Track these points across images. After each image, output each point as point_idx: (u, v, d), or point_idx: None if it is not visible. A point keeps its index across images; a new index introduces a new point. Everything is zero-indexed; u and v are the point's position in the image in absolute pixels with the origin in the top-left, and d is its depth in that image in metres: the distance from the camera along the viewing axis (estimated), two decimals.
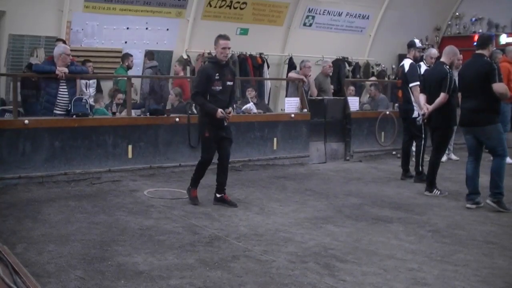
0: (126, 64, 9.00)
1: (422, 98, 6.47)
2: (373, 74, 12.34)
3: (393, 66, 12.51)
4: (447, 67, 6.20)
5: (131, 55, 9.14)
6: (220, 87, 5.49)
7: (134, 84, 8.76)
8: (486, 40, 5.72)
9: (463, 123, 5.78)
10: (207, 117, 5.54)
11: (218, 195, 5.73)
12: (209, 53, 10.23)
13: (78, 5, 8.85)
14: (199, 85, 5.55)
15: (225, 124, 5.60)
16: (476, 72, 5.51)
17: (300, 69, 9.07)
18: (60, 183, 6.40)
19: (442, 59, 6.40)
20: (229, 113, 5.53)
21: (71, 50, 7.00)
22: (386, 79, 12.07)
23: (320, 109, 8.83)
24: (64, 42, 8.09)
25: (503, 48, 9.71)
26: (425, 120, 6.46)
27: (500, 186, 5.57)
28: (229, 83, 5.60)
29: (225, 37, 5.50)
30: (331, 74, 9.86)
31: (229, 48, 5.54)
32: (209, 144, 5.61)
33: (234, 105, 6.56)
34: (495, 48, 6.75)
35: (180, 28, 9.99)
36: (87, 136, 6.72)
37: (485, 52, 5.60)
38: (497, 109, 5.57)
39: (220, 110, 5.38)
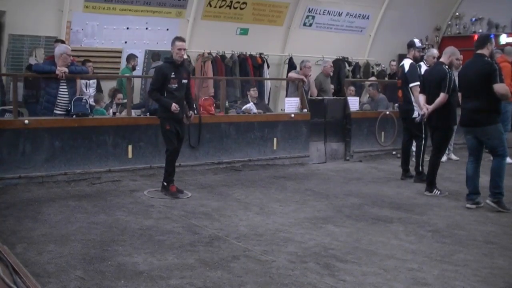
0: (132, 64, 9.03)
1: (421, 98, 6.47)
2: (373, 74, 12.33)
3: (393, 63, 12.41)
4: (447, 67, 6.20)
5: (137, 56, 9.16)
6: (176, 85, 5.96)
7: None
8: (484, 40, 5.72)
9: (464, 123, 5.77)
10: (166, 113, 5.95)
11: (164, 183, 6.09)
12: (209, 53, 10.26)
13: (78, 5, 8.85)
14: (155, 83, 6.00)
15: (185, 121, 6.16)
16: (476, 73, 5.51)
17: (300, 69, 9.07)
18: (60, 183, 6.40)
19: (441, 59, 6.40)
20: (190, 116, 6.21)
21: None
22: (386, 79, 12.07)
23: (320, 109, 8.83)
24: (63, 42, 8.10)
25: (502, 48, 9.72)
26: (425, 120, 6.47)
27: (500, 186, 5.57)
28: (184, 81, 6.07)
29: (181, 39, 6.02)
30: (332, 74, 9.86)
31: (184, 50, 6.04)
32: (171, 135, 6.01)
33: (194, 105, 6.91)
34: (495, 47, 6.75)
35: (180, 28, 9.99)
36: (87, 136, 6.72)
37: (485, 51, 5.60)
38: (498, 109, 5.57)
39: (174, 104, 5.83)
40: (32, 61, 7.76)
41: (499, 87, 5.38)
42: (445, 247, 4.34)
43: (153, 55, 9.56)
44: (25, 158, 6.30)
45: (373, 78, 11.75)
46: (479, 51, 5.62)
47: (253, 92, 9.04)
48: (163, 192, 6.07)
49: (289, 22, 11.32)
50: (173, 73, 5.91)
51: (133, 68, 9.06)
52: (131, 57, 9.11)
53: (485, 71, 5.42)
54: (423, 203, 5.92)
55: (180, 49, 5.88)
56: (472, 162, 5.76)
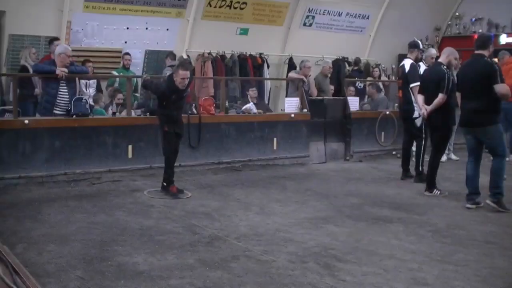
0: (123, 63, 8.98)
1: (420, 98, 6.47)
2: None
3: (393, 66, 12.48)
4: (445, 67, 6.20)
5: (128, 54, 9.09)
6: (176, 98, 5.99)
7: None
8: (486, 40, 5.73)
9: (464, 123, 5.77)
10: (164, 115, 6.05)
11: (164, 184, 6.11)
12: (209, 53, 10.24)
13: (78, 5, 8.83)
14: (157, 92, 6.21)
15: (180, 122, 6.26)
16: (477, 73, 5.50)
17: (300, 69, 9.07)
18: (60, 183, 6.40)
19: (440, 60, 6.41)
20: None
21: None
22: (386, 78, 12.05)
23: (320, 109, 8.83)
24: (57, 39, 8.10)
25: (502, 48, 9.73)
26: (424, 120, 6.50)
27: (500, 186, 5.57)
28: (184, 94, 6.16)
29: (185, 68, 5.89)
30: (329, 75, 9.87)
31: (187, 78, 5.89)
32: (169, 137, 6.07)
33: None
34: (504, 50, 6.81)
35: (180, 28, 9.98)
36: (87, 136, 6.72)
37: (485, 52, 5.60)
38: (497, 109, 5.56)
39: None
40: (26, 62, 7.75)
41: (501, 87, 5.38)
42: (445, 247, 4.34)
43: (169, 54, 9.50)
44: (25, 158, 6.30)
45: (370, 78, 11.74)
46: (479, 51, 5.61)
47: (252, 92, 9.04)
48: (163, 192, 6.07)
49: (289, 22, 11.29)
50: (174, 95, 5.95)
51: (125, 67, 8.99)
52: (122, 56, 9.07)
53: (486, 72, 5.42)
54: (423, 203, 5.91)
55: (183, 78, 5.83)
56: (472, 162, 5.76)
